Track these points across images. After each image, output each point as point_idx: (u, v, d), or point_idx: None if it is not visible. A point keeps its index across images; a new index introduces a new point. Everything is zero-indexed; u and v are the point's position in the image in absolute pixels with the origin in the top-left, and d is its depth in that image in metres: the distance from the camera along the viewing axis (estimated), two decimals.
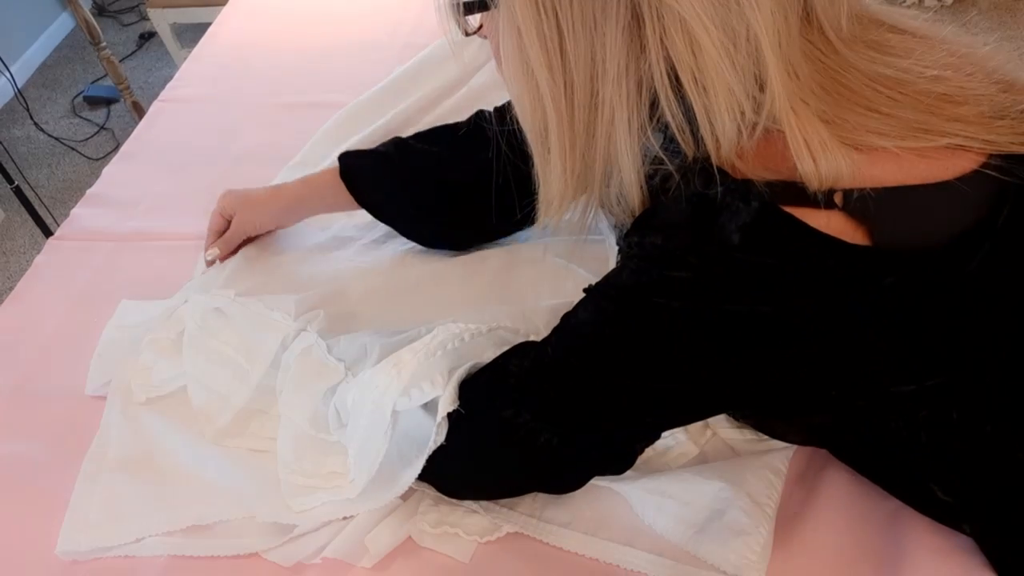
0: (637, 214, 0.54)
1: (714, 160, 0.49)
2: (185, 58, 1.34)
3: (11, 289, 0.93)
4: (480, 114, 0.88)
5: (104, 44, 2.11)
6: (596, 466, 0.63)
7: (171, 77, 1.28)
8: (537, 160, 0.56)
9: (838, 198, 0.46)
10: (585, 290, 0.57)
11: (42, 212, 1.99)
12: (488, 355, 0.64)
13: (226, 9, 1.45)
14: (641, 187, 0.53)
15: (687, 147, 0.50)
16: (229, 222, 0.89)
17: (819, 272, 0.47)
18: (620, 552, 0.64)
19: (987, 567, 0.61)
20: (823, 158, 0.46)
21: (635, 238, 0.53)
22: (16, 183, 1.86)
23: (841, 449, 0.67)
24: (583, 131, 0.51)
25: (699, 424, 0.72)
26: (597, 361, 0.54)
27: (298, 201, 0.89)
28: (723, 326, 0.49)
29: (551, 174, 0.55)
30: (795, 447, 0.69)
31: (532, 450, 0.59)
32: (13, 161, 2.16)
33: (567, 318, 0.58)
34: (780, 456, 0.68)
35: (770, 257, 0.47)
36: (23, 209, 1.93)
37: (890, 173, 0.47)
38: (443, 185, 0.86)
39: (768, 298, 0.47)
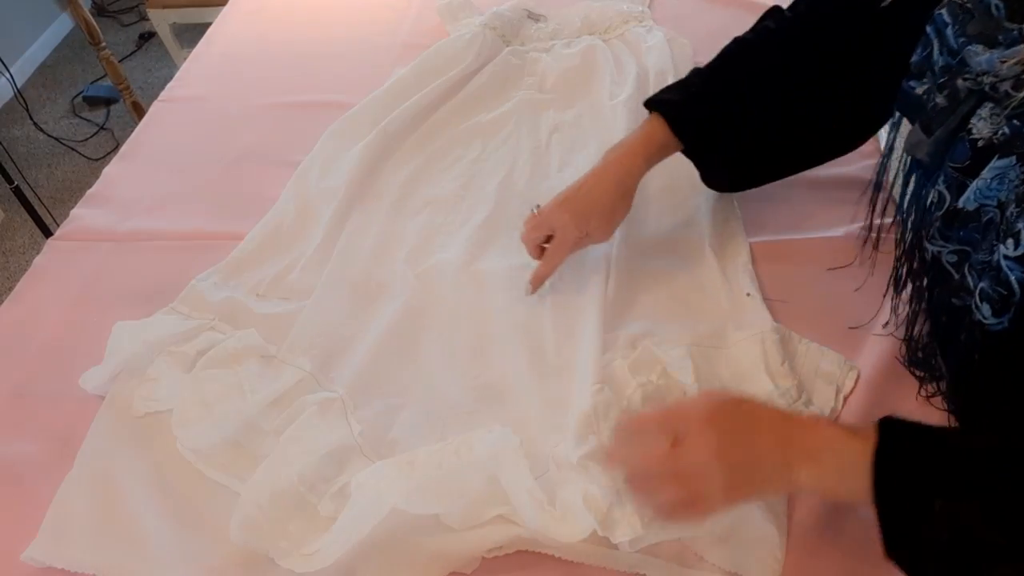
0: None
1: None
2: (185, 58, 1.34)
3: (11, 289, 0.92)
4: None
5: (104, 44, 2.11)
6: None
7: (171, 77, 1.28)
8: None
9: None
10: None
11: (42, 212, 1.99)
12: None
13: (226, 9, 1.45)
14: None
15: None
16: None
17: None
18: (619, 554, 0.64)
19: None
20: None
21: None
22: (16, 183, 1.86)
23: None
24: None
25: None
26: None
27: (638, 181, 0.81)
28: None
29: None
30: None
31: None
32: (13, 161, 2.17)
33: None
34: None
35: None
36: (23, 209, 1.93)
37: None
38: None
39: None
